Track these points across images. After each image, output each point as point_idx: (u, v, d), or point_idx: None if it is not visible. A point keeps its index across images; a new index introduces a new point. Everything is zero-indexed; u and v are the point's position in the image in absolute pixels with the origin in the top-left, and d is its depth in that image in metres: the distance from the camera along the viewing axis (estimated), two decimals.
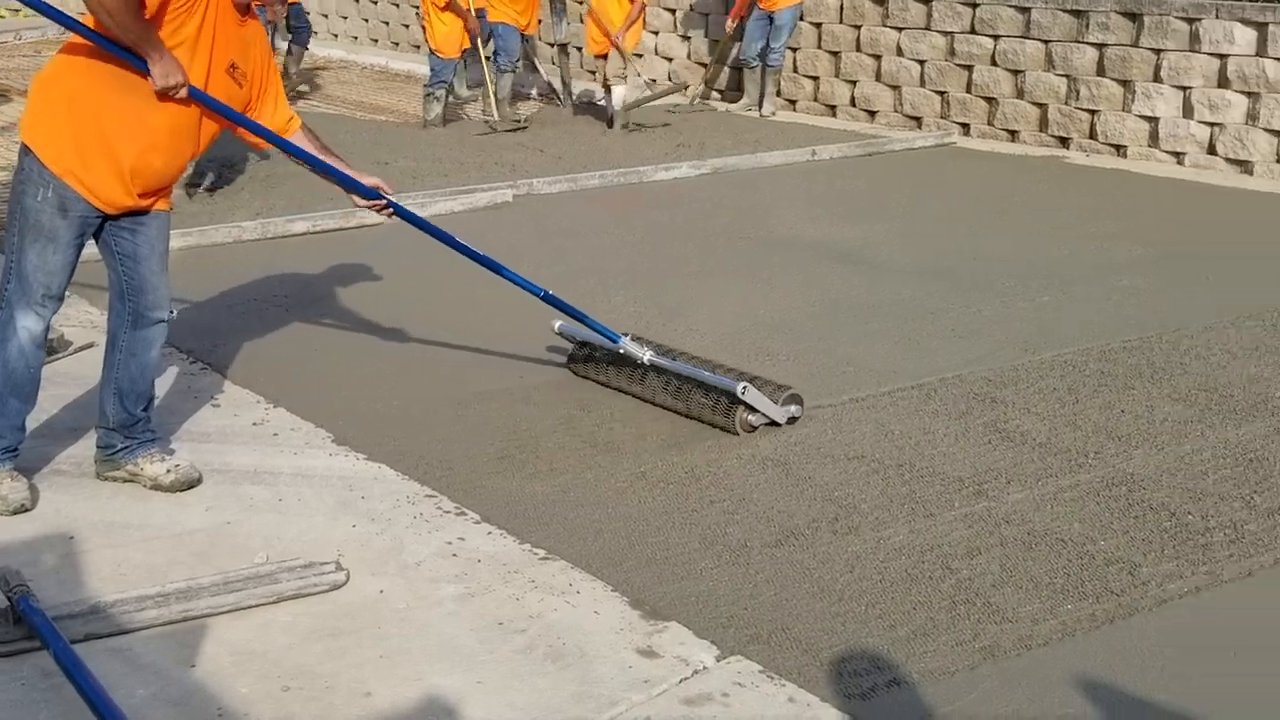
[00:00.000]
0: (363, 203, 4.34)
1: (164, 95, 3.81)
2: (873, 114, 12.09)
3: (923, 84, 11.69)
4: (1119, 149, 10.45)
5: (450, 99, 11.66)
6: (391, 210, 4.43)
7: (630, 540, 3.93)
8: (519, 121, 11.20)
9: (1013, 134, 11.10)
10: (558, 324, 5.25)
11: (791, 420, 4.74)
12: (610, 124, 11.29)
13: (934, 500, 4.21)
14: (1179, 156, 10.15)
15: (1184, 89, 10.06)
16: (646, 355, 4.85)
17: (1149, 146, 10.29)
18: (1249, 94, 9.75)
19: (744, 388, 4.55)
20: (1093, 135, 10.60)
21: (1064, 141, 10.82)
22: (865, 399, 5.05)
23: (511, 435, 4.72)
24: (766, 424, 4.70)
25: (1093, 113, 10.59)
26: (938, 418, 4.93)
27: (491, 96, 11.48)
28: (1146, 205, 8.72)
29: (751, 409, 4.63)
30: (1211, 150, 9.98)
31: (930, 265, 7.12)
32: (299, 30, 13.12)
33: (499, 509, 4.10)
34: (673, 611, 3.50)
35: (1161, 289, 6.69)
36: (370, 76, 14.78)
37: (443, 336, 5.81)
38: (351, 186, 4.32)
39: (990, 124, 11.24)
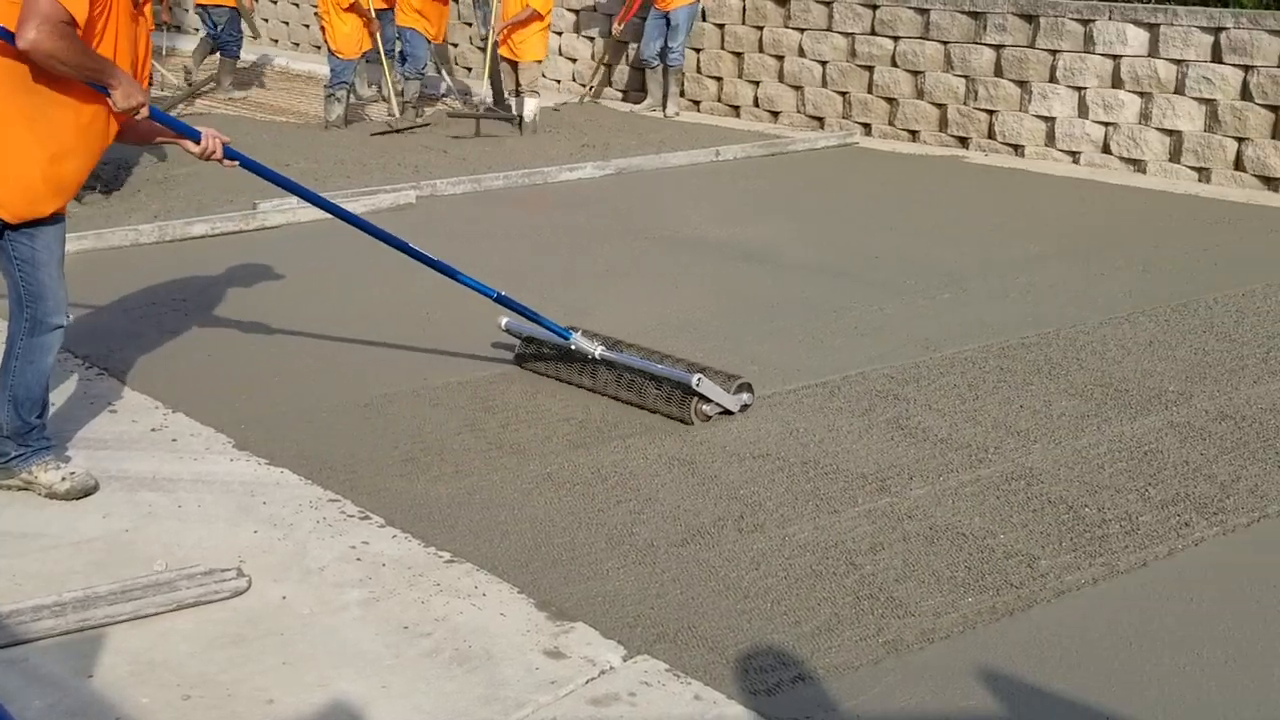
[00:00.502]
0: (194, 148, 4.18)
1: (123, 115, 3.80)
2: (776, 114, 12.09)
3: (825, 84, 11.70)
4: (1017, 148, 10.50)
5: (352, 99, 11.55)
6: (234, 160, 4.29)
7: (537, 541, 3.91)
8: (418, 119, 11.10)
9: (913, 134, 11.12)
10: (504, 321, 5.23)
11: (744, 408, 4.80)
12: (519, 127, 11.18)
13: (838, 497, 4.23)
14: (1075, 155, 10.23)
15: (1079, 89, 10.16)
16: (597, 350, 4.88)
17: (1046, 146, 10.35)
18: (1142, 94, 9.85)
19: (698, 379, 4.61)
20: (991, 135, 10.65)
21: (963, 141, 10.84)
22: (770, 397, 5.05)
23: (416, 437, 4.68)
24: (720, 413, 4.76)
25: (991, 113, 10.65)
26: (841, 415, 4.94)
27: (393, 99, 11.39)
28: (1044, 204, 8.79)
29: (705, 399, 4.68)
30: (1106, 149, 10.09)
31: (834, 264, 7.12)
32: (228, 44, 12.88)
33: (404, 512, 4.07)
34: (579, 612, 3.49)
35: (1058, 286, 6.74)
36: (270, 77, 14.60)
37: (347, 338, 5.74)
38: (183, 131, 4.19)
39: (891, 124, 11.25)
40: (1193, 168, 9.63)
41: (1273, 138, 9.21)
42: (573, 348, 4.92)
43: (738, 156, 10.41)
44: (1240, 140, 9.39)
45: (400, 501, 4.15)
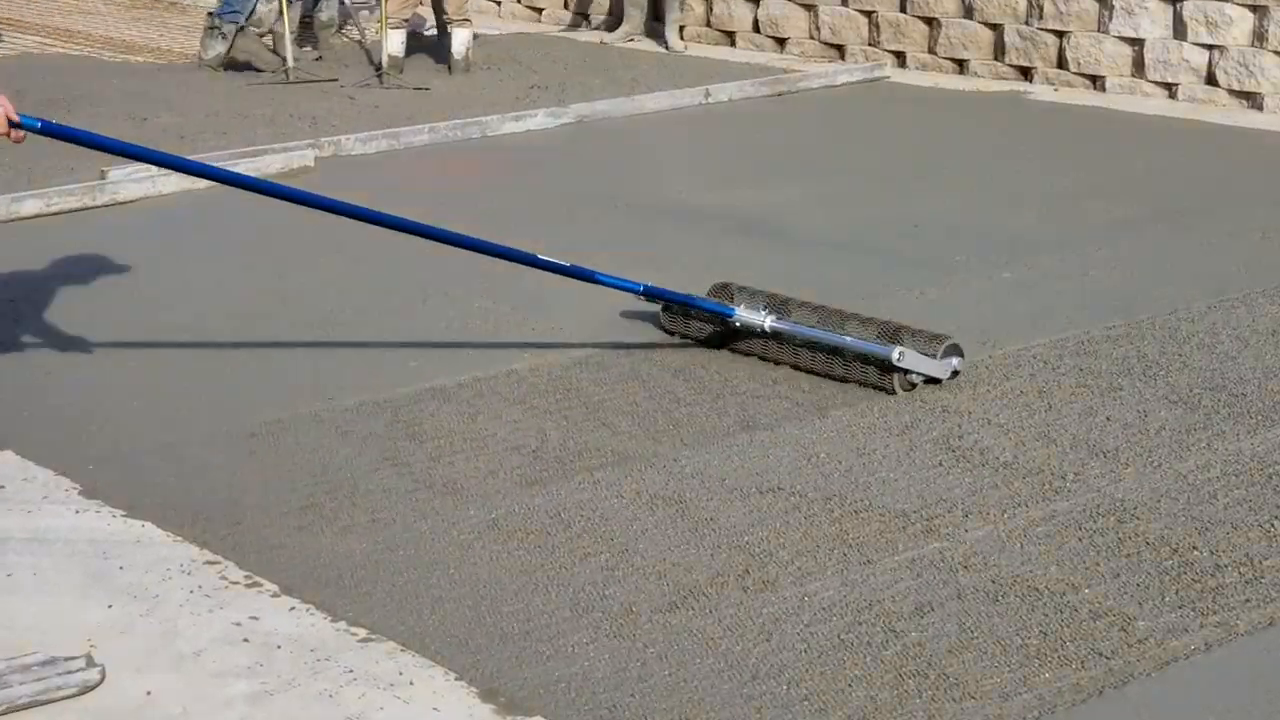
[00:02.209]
0: None
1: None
2: (782, 42, 12.16)
3: (845, 2, 11.72)
4: (1094, 80, 10.57)
5: (239, 37, 11.42)
6: (25, 130, 4.27)
7: (479, 610, 3.84)
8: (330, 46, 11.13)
9: (960, 64, 11.18)
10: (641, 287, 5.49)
11: (954, 375, 5.22)
12: (449, 66, 11.10)
13: (871, 542, 4.17)
14: (1170, 89, 10.29)
15: (1175, 3, 10.16)
16: (768, 321, 5.36)
17: (1133, 77, 10.43)
18: (1255, 7, 9.90)
19: (899, 353, 5.06)
20: (1061, 64, 10.71)
21: (1025, 73, 10.88)
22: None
23: (320, 477, 4.63)
24: (926, 380, 5.19)
25: (1061, 35, 10.66)
26: (875, 434, 4.90)
27: (286, 33, 11.29)
28: (1130, 152, 8.78)
29: (908, 371, 5.17)
30: (1211, 80, 10.09)
31: (859, 238, 7.09)
32: None
33: (304, 576, 4.00)
34: (537, 703, 3.42)
35: (1152, 260, 6.69)
36: (119, 5, 14.47)
37: (227, 343, 5.69)
38: None
39: (931, 51, 11.29)
40: None
41: None
42: (738, 326, 5.40)
43: (734, 98, 10.42)
44: None
45: (299, 562, 4.07)
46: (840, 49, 11.82)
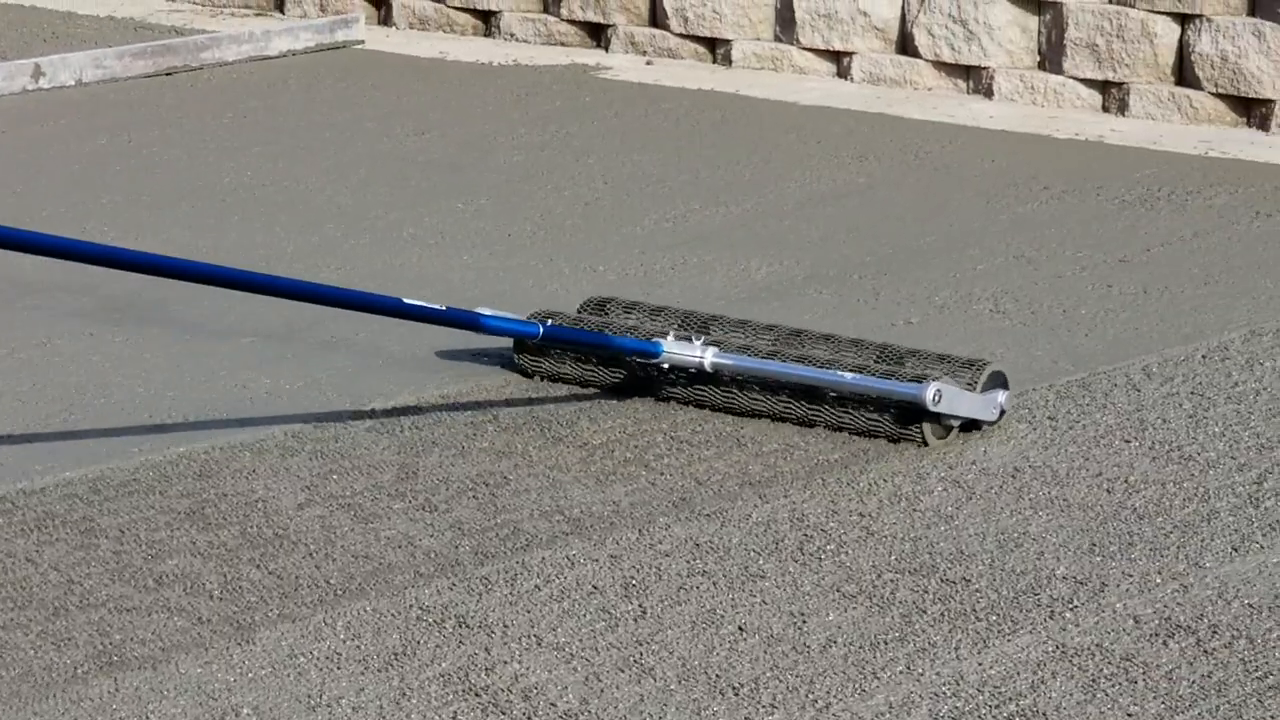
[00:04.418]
0: None
1: None
2: None
3: None
4: (712, 46, 9.45)
5: None
6: None
7: None
8: None
9: (484, 17, 10.07)
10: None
11: (1002, 415, 5.33)
12: None
13: None
14: (840, 60, 9.09)
15: None
16: (708, 357, 5.44)
17: (776, 41, 9.35)
18: None
19: (936, 393, 5.10)
20: (656, 20, 9.54)
21: (595, 32, 9.74)
22: None
23: None
24: (963, 425, 5.36)
25: None
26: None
27: None
28: (786, 192, 7.54)
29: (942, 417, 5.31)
30: (906, 46, 8.95)
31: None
32: None
33: None
34: None
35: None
36: None
37: None
38: None
39: None
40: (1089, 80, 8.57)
41: None
42: (666, 366, 5.46)
43: (84, 80, 9.39)
44: None
45: None
46: None
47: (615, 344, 5.35)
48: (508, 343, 5.55)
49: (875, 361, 5.15)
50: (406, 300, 5.10)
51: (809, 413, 5.13)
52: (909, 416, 4.96)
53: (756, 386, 5.24)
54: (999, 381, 5.10)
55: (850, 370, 5.07)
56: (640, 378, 5.41)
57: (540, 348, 5.50)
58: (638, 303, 5.59)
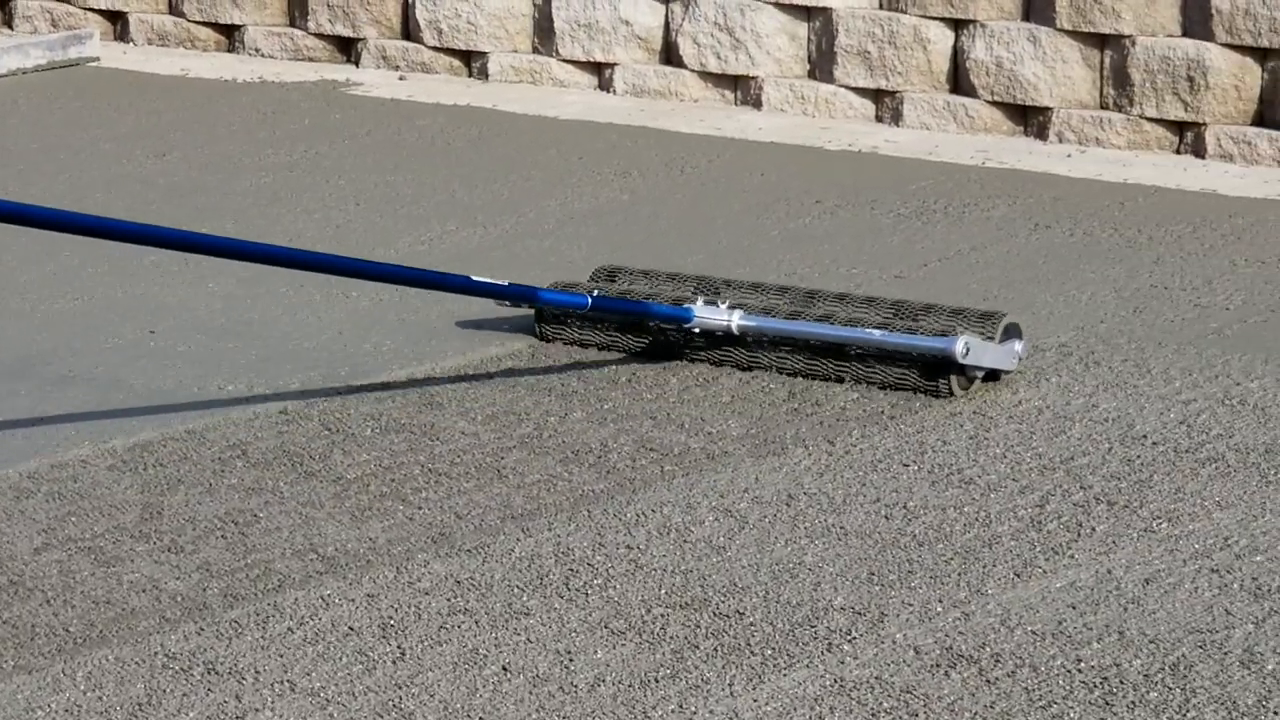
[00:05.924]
0: None
1: None
2: None
3: None
4: (467, 58, 9.44)
5: None
6: None
7: None
8: None
9: (228, 32, 9.92)
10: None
11: (1017, 363, 5.63)
12: None
13: None
14: (601, 71, 8.99)
15: None
16: (735, 320, 5.60)
17: (535, 54, 9.25)
18: None
19: (964, 345, 5.28)
20: (408, 32, 9.55)
21: (346, 46, 9.63)
22: None
23: None
24: (985, 376, 5.54)
25: None
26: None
27: None
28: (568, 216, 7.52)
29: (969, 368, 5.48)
30: (670, 57, 8.68)
31: None
32: None
33: None
34: None
35: None
36: None
37: None
38: None
39: (174, 10, 10.05)
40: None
41: None
42: (697, 330, 5.66)
43: None
44: None
45: None
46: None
47: (653, 311, 5.64)
48: (262, 373, 5.53)
49: (895, 318, 5.39)
50: (474, 278, 5.44)
51: (835, 369, 5.34)
52: (937, 369, 5.21)
53: (785, 347, 5.49)
54: (1015, 332, 5.36)
55: (875, 328, 5.33)
56: (662, 342, 5.64)
57: (558, 316, 5.80)
58: (649, 270, 5.88)
